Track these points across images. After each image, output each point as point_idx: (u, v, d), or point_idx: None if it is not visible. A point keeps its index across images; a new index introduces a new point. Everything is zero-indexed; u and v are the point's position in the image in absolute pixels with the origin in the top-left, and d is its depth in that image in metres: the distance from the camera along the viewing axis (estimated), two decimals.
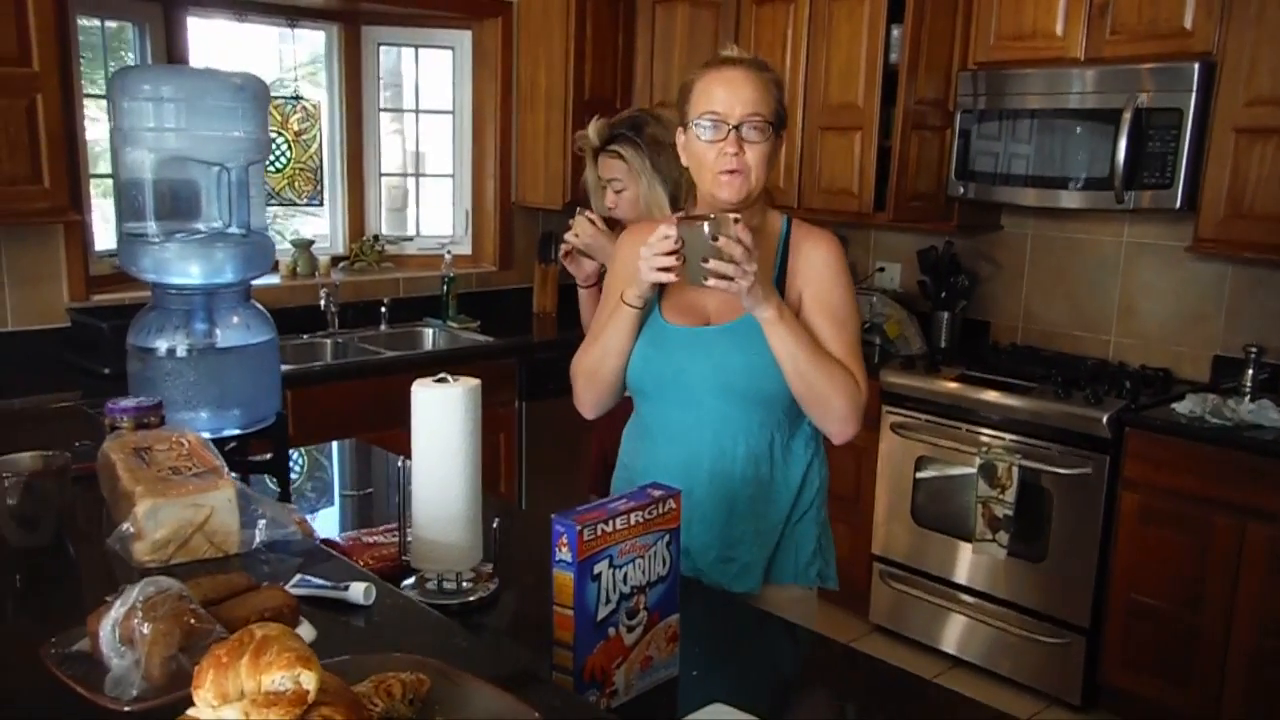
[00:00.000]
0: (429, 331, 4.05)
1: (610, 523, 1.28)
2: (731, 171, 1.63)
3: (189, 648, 1.00)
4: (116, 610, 1.01)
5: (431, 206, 4.50)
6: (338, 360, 3.71)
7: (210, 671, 0.83)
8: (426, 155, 4.47)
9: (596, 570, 1.26)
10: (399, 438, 3.03)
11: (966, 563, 3.39)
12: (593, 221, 2.36)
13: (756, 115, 1.61)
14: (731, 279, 1.52)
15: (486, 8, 4.17)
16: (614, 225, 2.36)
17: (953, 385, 3.38)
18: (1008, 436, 3.23)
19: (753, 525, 1.74)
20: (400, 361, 3.58)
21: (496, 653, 1.20)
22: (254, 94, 1.95)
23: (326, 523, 1.95)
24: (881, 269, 4.21)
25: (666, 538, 1.36)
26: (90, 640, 1.04)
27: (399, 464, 1.62)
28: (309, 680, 0.82)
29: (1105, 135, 3.17)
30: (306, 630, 1.11)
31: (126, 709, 0.96)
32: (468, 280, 4.29)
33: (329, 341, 3.78)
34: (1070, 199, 3.33)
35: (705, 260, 1.54)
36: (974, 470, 3.26)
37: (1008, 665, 3.33)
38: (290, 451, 2.29)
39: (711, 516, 1.72)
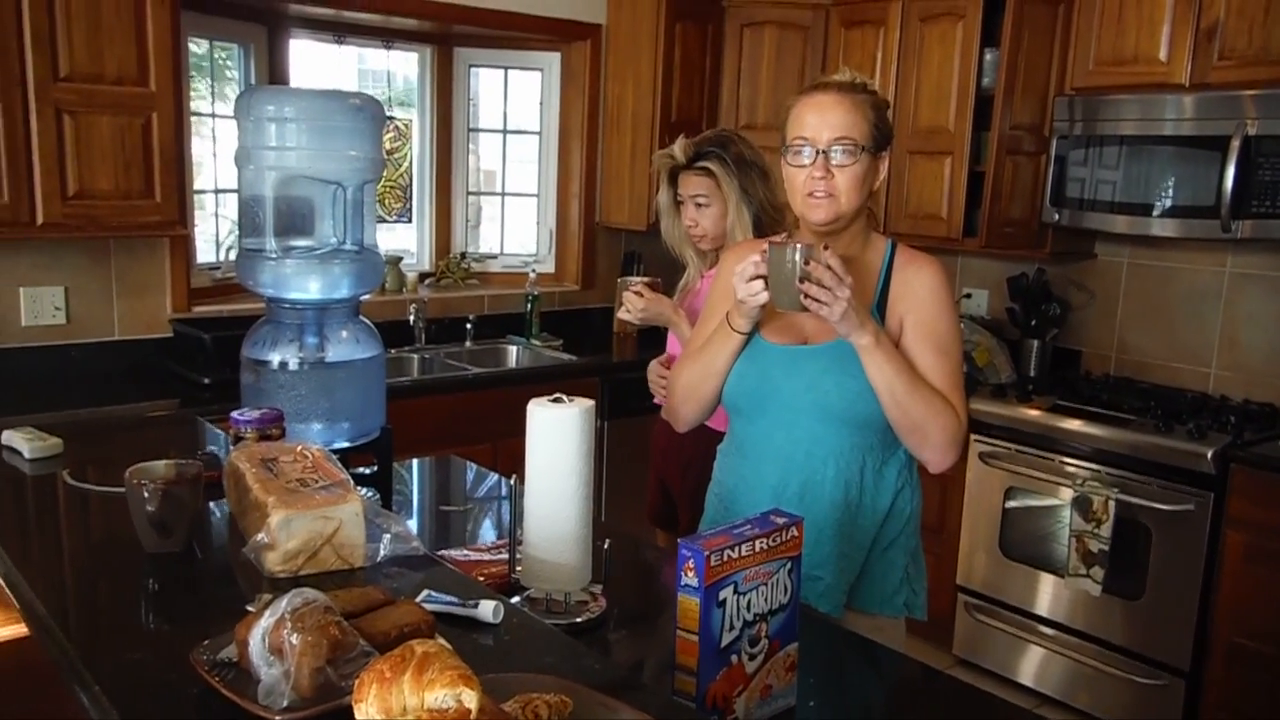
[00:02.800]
0: (513, 349, 4.09)
1: (736, 549, 1.27)
2: (820, 194, 1.65)
3: (334, 660, 1.01)
4: (266, 620, 1.03)
5: (514, 225, 4.54)
6: (425, 375, 3.76)
7: (373, 686, 0.84)
8: (510, 174, 4.52)
9: (722, 596, 1.26)
10: (484, 453, 3.10)
11: (1057, 597, 3.31)
12: (640, 293, 2.39)
13: (845, 139, 1.63)
14: (824, 303, 1.54)
15: (576, 30, 4.22)
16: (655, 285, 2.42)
17: (1045, 415, 3.31)
18: (1103, 469, 3.15)
19: (837, 548, 1.73)
20: (486, 378, 3.62)
21: (630, 676, 1.20)
22: (371, 115, 2.00)
23: (426, 538, 1.96)
24: (969, 295, 4.15)
25: (789, 565, 1.35)
26: (238, 648, 1.06)
27: (510, 481, 1.63)
28: (471, 699, 0.83)
29: (1210, 162, 3.09)
30: None
31: (278, 718, 0.97)
32: (550, 299, 4.32)
33: (416, 357, 3.83)
34: (1170, 227, 3.25)
35: (797, 283, 1.56)
36: (1066, 503, 3.19)
37: (1100, 705, 3.23)
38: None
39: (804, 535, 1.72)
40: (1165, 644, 3.06)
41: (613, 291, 4.47)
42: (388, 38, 4.08)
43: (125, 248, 3.24)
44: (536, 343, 4.09)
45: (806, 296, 1.55)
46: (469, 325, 4.03)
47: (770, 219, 2.33)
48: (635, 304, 2.41)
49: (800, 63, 4.17)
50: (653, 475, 2.70)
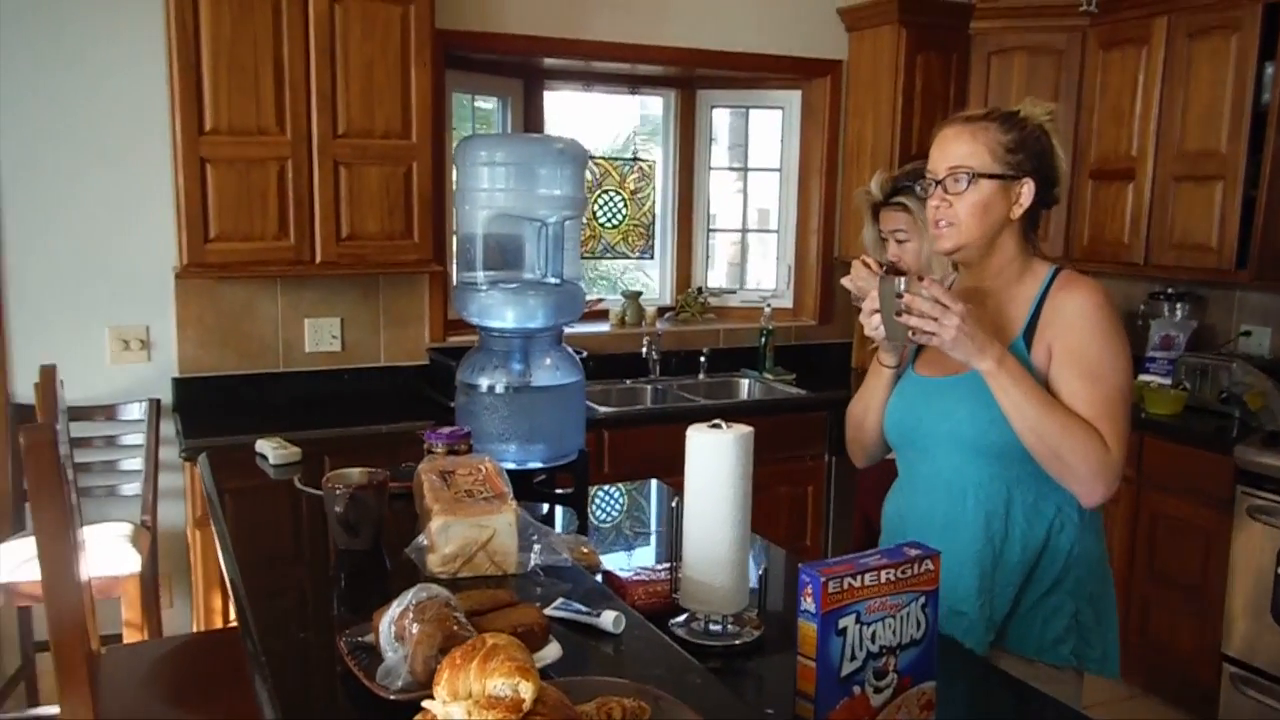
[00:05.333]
0: (745, 382, 4.15)
1: (859, 578, 1.26)
2: (942, 224, 1.69)
3: (448, 650, 1.11)
4: (394, 609, 1.14)
5: (764, 261, 4.62)
6: (656, 405, 3.89)
7: (447, 671, 0.93)
8: (768, 212, 4.59)
9: (842, 625, 1.25)
10: None
11: None
12: (868, 265, 2.32)
13: (960, 168, 1.66)
14: (930, 333, 1.56)
15: (817, 67, 4.25)
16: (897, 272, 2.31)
17: None
18: None
19: (979, 583, 1.67)
20: (713, 409, 3.69)
21: (727, 695, 1.22)
22: (573, 157, 2.14)
23: (618, 556, 2.05)
24: (1248, 333, 3.75)
25: (922, 600, 1.31)
26: (374, 634, 1.18)
27: (672, 504, 1.69)
28: (526, 690, 0.89)
29: None
30: (553, 649, 1.19)
31: (392, 697, 1.08)
32: (786, 333, 4.34)
33: (649, 387, 3.97)
34: None
35: (899, 315, 1.59)
36: None
37: None
38: (603, 487, 2.47)
39: (943, 569, 1.65)
40: None
41: (851, 326, 4.44)
42: (634, 84, 4.29)
43: (391, 283, 3.62)
44: (769, 376, 4.12)
45: (911, 329, 1.58)
46: (703, 358, 4.13)
47: None
48: (859, 273, 2.35)
49: (1054, 89, 3.97)
50: (858, 510, 2.67)
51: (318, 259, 3.21)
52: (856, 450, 1.93)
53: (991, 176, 1.64)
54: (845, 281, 2.38)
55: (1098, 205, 3.91)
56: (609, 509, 2.38)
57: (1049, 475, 1.62)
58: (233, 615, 2.96)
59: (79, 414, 3.12)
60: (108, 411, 3.25)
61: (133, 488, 3.24)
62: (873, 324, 1.66)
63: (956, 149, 1.66)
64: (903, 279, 1.59)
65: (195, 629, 3.17)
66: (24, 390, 3.15)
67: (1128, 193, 3.78)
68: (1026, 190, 1.66)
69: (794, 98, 4.40)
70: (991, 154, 1.64)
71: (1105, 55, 3.85)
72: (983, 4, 4.01)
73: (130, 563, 2.82)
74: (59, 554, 1.54)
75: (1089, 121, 3.92)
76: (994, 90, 4.06)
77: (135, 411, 3.26)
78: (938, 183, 1.68)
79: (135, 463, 3.24)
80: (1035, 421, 1.56)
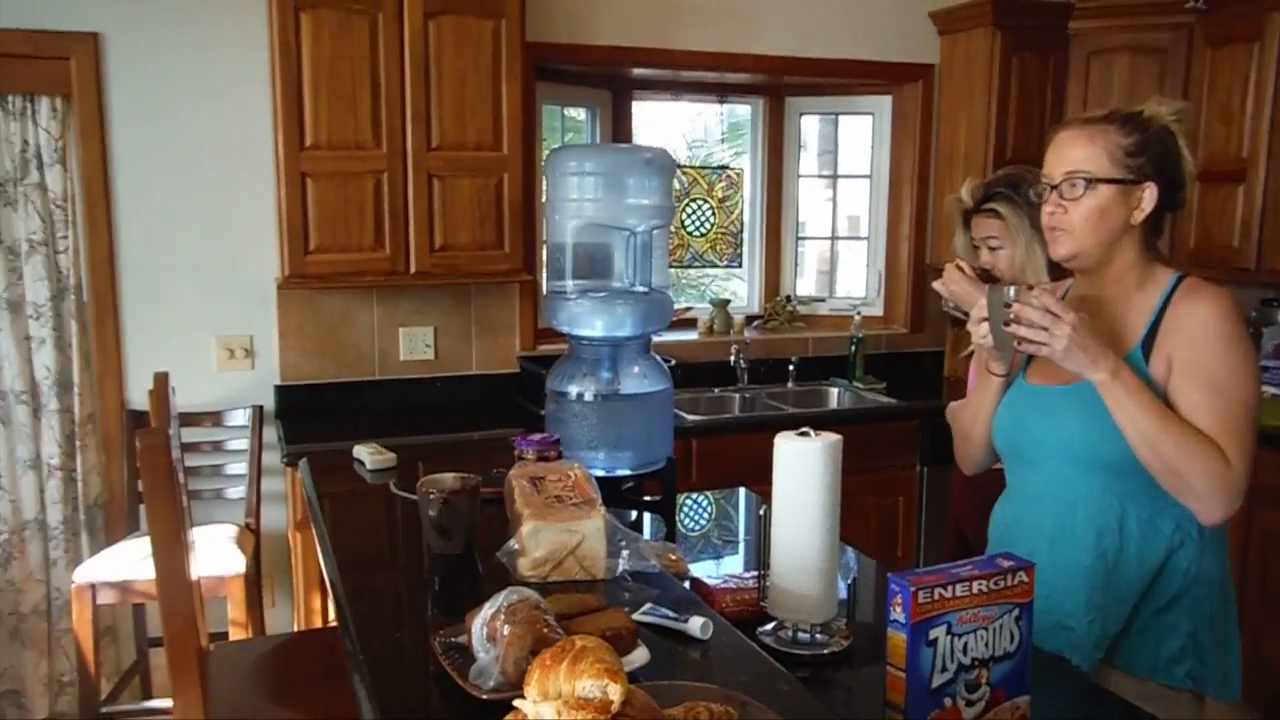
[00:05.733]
0: (834, 391, 4.11)
1: (950, 588, 1.24)
2: (1056, 230, 1.65)
3: (538, 652, 1.13)
4: (485, 611, 1.17)
5: (854, 268, 4.57)
6: (744, 414, 3.88)
7: (537, 671, 0.95)
8: (858, 219, 4.55)
9: (932, 635, 1.23)
10: None
11: None
12: (962, 269, 2.29)
13: (1076, 172, 1.61)
14: (1040, 343, 1.53)
15: (908, 72, 4.19)
16: (989, 277, 2.28)
17: None
18: None
19: (1089, 598, 1.62)
20: (802, 418, 3.66)
21: (815, 704, 1.21)
22: (660, 166, 2.16)
23: (706, 563, 2.05)
24: None
25: (1016, 612, 1.29)
26: (467, 635, 1.21)
27: (760, 511, 1.68)
28: (615, 692, 0.91)
29: None
30: (641, 653, 1.20)
31: (484, 697, 1.11)
32: (877, 341, 4.29)
33: (737, 396, 3.97)
34: None
35: (1007, 325, 1.56)
36: None
37: None
38: (691, 494, 2.48)
39: (1051, 582, 1.62)
40: None
41: (943, 334, 4.37)
42: (721, 93, 4.30)
43: (483, 293, 3.69)
44: (859, 385, 4.07)
45: (1018, 340, 1.55)
46: (791, 367, 4.10)
47: None
48: (951, 276, 2.31)
49: (1158, 89, 3.83)
50: (951, 520, 2.63)
51: (412, 269, 3.29)
52: (964, 459, 1.90)
53: (1110, 181, 1.59)
54: (937, 285, 2.35)
55: (1205, 208, 3.77)
56: (697, 517, 2.39)
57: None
58: (332, 615, 3.06)
59: (188, 420, 3.25)
60: (214, 418, 3.38)
61: (238, 491, 3.36)
62: (980, 333, 1.62)
63: (1073, 153, 1.61)
64: (1012, 288, 1.56)
65: (296, 628, 3.28)
66: (138, 397, 3.31)
67: (1238, 195, 3.64)
68: (1148, 195, 1.60)
69: (884, 103, 4.35)
70: (1110, 158, 1.59)
71: (1214, 53, 3.72)
72: (1082, 3, 3.91)
73: (235, 563, 2.93)
74: (171, 553, 1.62)
75: (1196, 121, 3.79)
76: (1094, 92, 3.95)
77: (240, 418, 3.39)
78: (1053, 188, 1.63)
79: (240, 467, 3.37)
80: (1151, 435, 1.51)
